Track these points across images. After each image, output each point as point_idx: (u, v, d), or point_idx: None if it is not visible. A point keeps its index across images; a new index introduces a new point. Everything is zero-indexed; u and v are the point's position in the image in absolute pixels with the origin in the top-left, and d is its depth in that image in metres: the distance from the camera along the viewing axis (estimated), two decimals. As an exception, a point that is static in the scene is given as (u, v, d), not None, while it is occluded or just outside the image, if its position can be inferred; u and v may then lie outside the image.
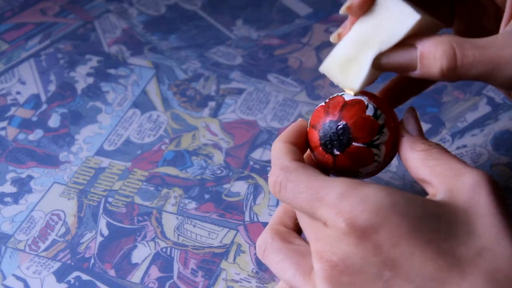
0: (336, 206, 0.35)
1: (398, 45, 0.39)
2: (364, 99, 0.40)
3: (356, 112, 0.39)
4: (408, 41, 0.39)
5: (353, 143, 0.39)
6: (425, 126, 0.56)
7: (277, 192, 0.38)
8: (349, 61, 0.41)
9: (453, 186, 0.36)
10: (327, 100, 0.41)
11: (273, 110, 0.58)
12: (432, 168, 0.37)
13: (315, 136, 0.40)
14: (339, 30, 0.43)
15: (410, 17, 0.39)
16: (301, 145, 0.41)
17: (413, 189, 0.50)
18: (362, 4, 0.40)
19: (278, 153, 0.40)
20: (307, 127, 0.41)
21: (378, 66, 0.40)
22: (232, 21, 0.68)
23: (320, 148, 0.40)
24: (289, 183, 0.37)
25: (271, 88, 0.60)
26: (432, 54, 0.38)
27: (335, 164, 0.40)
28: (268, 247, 0.40)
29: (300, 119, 0.42)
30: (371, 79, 0.40)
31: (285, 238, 0.40)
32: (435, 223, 0.34)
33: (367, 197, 0.34)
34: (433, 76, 0.38)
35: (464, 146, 0.54)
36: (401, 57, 0.39)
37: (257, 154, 0.54)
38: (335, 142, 0.40)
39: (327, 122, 0.40)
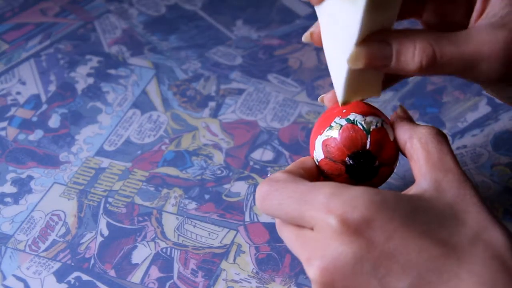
0: (326, 206, 0.34)
1: (368, 40, 0.37)
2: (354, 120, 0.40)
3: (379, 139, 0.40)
4: (379, 36, 0.38)
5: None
6: (425, 126, 0.56)
7: (260, 202, 0.38)
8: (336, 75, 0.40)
9: (441, 180, 0.36)
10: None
11: (273, 111, 0.58)
12: (428, 153, 0.38)
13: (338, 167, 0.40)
14: (311, 29, 0.42)
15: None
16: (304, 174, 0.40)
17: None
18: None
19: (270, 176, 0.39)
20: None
21: (352, 64, 0.38)
22: (232, 21, 0.68)
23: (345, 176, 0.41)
24: (274, 192, 0.37)
25: (271, 88, 0.60)
26: (410, 52, 0.37)
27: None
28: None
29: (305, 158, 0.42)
30: (358, 88, 0.40)
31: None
32: (426, 216, 0.35)
33: (357, 195, 0.34)
34: (409, 72, 0.38)
35: (464, 146, 0.54)
36: (375, 52, 0.38)
37: (257, 154, 0.54)
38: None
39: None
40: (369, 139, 0.40)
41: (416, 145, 0.38)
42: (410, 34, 0.38)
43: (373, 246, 0.33)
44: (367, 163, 0.40)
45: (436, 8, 0.44)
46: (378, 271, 0.33)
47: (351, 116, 0.40)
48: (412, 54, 0.37)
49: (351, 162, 0.40)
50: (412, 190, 0.37)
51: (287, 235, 0.38)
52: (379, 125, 0.40)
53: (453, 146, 0.54)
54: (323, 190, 0.35)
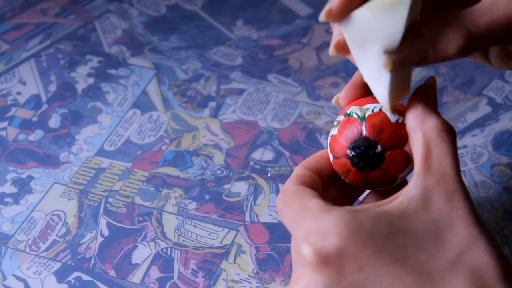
0: (305, 234, 0.34)
1: (402, 40, 0.36)
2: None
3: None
4: (410, 32, 0.36)
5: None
6: (425, 127, 0.56)
7: (279, 212, 0.38)
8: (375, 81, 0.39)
9: (431, 188, 0.35)
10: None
11: (274, 111, 0.58)
12: (428, 151, 0.35)
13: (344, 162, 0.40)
14: (335, 39, 0.40)
15: (401, 7, 0.36)
16: (320, 171, 0.40)
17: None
18: (342, 8, 0.37)
19: (290, 177, 0.39)
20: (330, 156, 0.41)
21: (391, 67, 0.37)
22: (233, 21, 0.68)
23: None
24: (284, 206, 0.37)
25: (271, 88, 0.60)
26: (445, 38, 0.36)
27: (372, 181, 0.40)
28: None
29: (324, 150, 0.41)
30: (399, 90, 0.39)
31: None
32: (403, 239, 0.33)
33: (332, 222, 0.34)
34: (450, 58, 0.37)
35: (465, 146, 0.54)
36: (411, 52, 0.36)
37: (257, 155, 0.54)
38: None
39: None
40: (364, 125, 0.38)
41: (419, 139, 0.36)
42: (439, 20, 0.37)
43: (343, 276, 0.33)
44: (367, 150, 0.38)
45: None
46: None
47: (349, 110, 0.40)
48: (447, 40, 0.36)
49: (352, 153, 0.38)
50: (400, 196, 0.35)
51: (292, 242, 0.38)
52: (376, 110, 0.39)
53: (453, 146, 0.54)
54: (310, 213, 0.35)
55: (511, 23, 0.36)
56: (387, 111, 0.39)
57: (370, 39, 0.37)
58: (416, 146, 0.36)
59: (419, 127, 0.36)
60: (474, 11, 0.36)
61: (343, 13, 0.37)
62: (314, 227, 0.34)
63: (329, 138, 0.40)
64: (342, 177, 0.40)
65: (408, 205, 0.34)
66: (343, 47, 0.39)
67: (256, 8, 0.69)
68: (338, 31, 0.39)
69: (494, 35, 0.36)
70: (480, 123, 0.56)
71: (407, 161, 0.39)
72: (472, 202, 0.35)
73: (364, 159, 0.38)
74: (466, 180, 0.52)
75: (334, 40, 0.39)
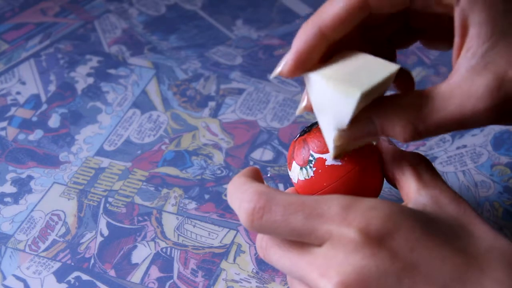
0: (344, 218, 0.33)
1: (353, 121, 0.36)
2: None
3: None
4: (362, 114, 0.36)
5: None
6: (425, 126, 0.56)
7: (257, 218, 0.34)
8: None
9: (439, 196, 0.36)
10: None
11: (273, 110, 0.58)
12: (418, 173, 0.37)
13: None
14: (303, 103, 0.40)
15: (350, 96, 0.35)
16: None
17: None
18: (292, 72, 0.37)
19: (244, 184, 0.36)
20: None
21: (340, 143, 0.37)
22: (232, 21, 0.68)
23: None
24: (275, 206, 0.34)
25: (271, 88, 0.60)
26: (392, 130, 0.36)
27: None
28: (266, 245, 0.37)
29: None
30: (346, 148, 0.39)
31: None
32: (441, 227, 0.34)
33: (374, 205, 0.33)
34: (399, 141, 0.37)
35: (464, 146, 0.54)
36: (361, 132, 0.36)
37: (257, 154, 0.54)
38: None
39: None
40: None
41: (405, 167, 0.38)
42: (390, 110, 0.36)
43: (396, 257, 0.32)
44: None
45: (424, 41, 0.43)
46: (403, 283, 0.32)
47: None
48: (394, 131, 0.36)
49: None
50: (410, 206, 0.36)
51: (287, 255, 0.35)
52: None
53: (453, 146, 0.54)
54: (336, 202, 0.34)
55: (461, 121, 0.35)
56: (331, 156, 0.40)
57: (325, 105, 0.37)
58: (406, 174, 0.38)
59: (402, 160, 0.38)
60: (426, 104, 0.35)
61: (296, 75, 0.37)
62: (355, 211, 0.33)
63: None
64: (310, 167, 0.41)
65: (424, 209, 0.35)
66: (310, 109, 0.40)
67: (256, 8, 0.69)
68: (306, 93, 0.40)
69: (442, 130, 0.36)
70: (479, 123, 0.56)
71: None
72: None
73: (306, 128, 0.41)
74: (466, 180, 0.52)
75: (302, 103, 0.40)
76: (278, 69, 0.38)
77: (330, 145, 0.38)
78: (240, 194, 0.35)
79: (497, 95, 0.34)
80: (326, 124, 0.38)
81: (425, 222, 0.34)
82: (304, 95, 0.40)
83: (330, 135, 0.38)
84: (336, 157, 0.39)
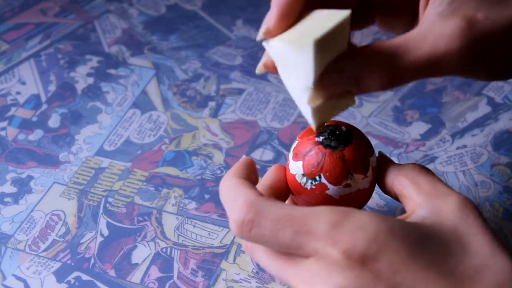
0: (331, 237, 0.33)
1: (324, 74, 0.35)
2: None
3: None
4: (333, 66, 0.35)
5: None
6: (425, 126, 0.56)
7: (246, 231, 0.34)
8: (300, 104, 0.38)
9: (439, 206, 0.35)
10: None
11: (273, 110, 0.58)
12: (418, 185, 0.37)
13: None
14: (263, 60, 0.39)
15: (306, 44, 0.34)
16: (254, 180, 0.39)
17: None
18: (279, 27, 0.37)
19: (235, 189, 0.36)
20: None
21: (312, 104, 0.36)
22: (232, 21, 0.68)
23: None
24: (264, 220, 0.34)
25: (271, 88, 0.60)
26: (368, 76, 0.35)
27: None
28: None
29: (245, 156, 0.41)
30: (325, 112, 0.38)
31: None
32: (431, 245, 0.33)
33: (363, 225, 0.33)
34: (375, 91, 0.36)
35: (464, 146, 0.54)
36: (334, 85, 0.35)
37: (257, 154, 0.54)
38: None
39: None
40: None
41: (403, 181, 0.37)
42: (364, 55, 0.35)
43: (378, 279, 0.32)
44: (334, 131, 0.40)
45: (381, 20, 0.43)
46: None
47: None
48: (370, 79, 0.35)
49: (321, 137, 0.39)
50: (409, 219, 0.35)
51: (274, 262, 0.36)
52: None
53: (453, 146, 0.54)
54: (324, 218, 0.33)
55: (435, 61, 0.35)
56: (314, 129, 0.39)
57: (290, 67, 0.36)
58: (405, 188, 0.37)
59: (399, 174, 0.38)
60: (399, 47, 0.35)
61: (281, 30, 0.37)
62: (342, 230, 0.33)
63: (290, 155, 0.41)
64: (310, 182, 0.40)
65: (423, 222, 0.35)
66: (271, 67, 0.38)
67: (256, 8, 0.69)
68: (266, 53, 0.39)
69: (419, 72, 0.35)
70: (479, 123, 0.56)
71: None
72: (477, 207, 0.35)
73: (334, 138, 0.39)
74: (466, 180, 0.52)
75: (262, 60, 0.39)
76: (263, 28, 0.37)
77: (308, 115, 0.38)
78: (230, 202, 0.36)
79: (468, 34, 0.35)
80: (297, 91, 0.37)
81: (416, 240, 0.33)
82: (265, 54, 0.39)
83: (304, 101, 0.37)
84: (318, 128, 0.39)
